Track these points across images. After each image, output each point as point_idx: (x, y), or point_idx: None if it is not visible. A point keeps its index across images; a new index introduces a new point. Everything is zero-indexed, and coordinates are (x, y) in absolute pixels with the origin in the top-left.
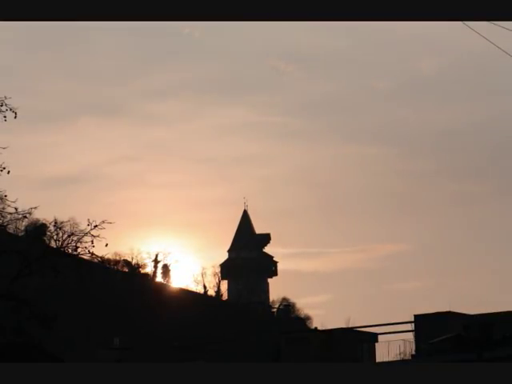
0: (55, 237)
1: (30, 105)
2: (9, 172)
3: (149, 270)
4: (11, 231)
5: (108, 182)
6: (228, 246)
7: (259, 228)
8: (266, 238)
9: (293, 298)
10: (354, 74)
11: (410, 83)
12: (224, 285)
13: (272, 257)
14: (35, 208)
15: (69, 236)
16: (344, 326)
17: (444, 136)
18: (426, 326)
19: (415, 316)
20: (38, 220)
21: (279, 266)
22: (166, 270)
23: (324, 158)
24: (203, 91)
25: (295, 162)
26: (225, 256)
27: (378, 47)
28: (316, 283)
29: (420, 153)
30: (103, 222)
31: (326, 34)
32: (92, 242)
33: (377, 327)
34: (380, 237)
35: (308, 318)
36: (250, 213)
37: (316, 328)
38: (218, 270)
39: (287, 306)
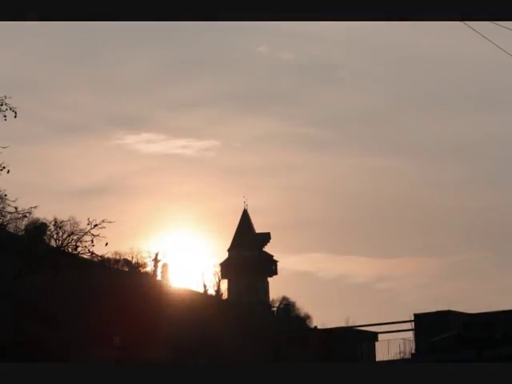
0: (55, 236)
1: (59, 116)
2: (8, 171)
3: (149, 269)
4: (11, 231)
5: (132, 192)
6: (228, 245)
7: (264, 229)
8: (266, 238)
9: (293, 298)
10: (380, 85)
11: (430, 92)
12: (224, 284)
13: (272, 256)
14: (35, 207)
15: (69, 235)
16: (344, 325)
17: (467, 145)
18: (426, 324)
19: (415, 315)
20: (38, 219)
21: (279, 265)
22: (165, 269)
23: (349, 169)
24: (229, 102)
25: (320, 173)
26: (225, 255)
27: (398, 58)
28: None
29: (441, 164)
30: (103, 221)
31: (351, 46)
32: (92, 241)
33: (377, 326)
34: (397, 245)
35: (308, 316)
36: (254, 215)
37: (316, 327)
38: (218, 269)
39: (287, 306)
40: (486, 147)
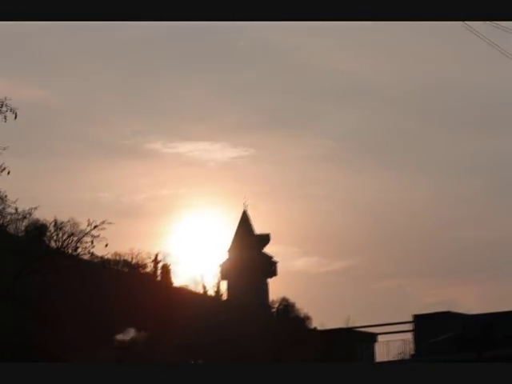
0: (55, 237)
1: (106, 139)
2: (9, 173)
3: (148, 270)
4: (11, 231)
5: (138, 197)
6: (228, 246)
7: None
8: (265, 238)
9: (292, 298)
10: (407, 102)
11: (434, 97)
12: (224, 285)
13: (271, 257)
14: (35, 208)
15: (69, 236)
16: (343, 325)
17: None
18: (426, 325)
19: (414, 316)
20: (38, 220)
21: (279, 266)
22: (165, 270)
23: (363, 181)
24: (264, 122)
25: (329, 183)
26: (224, 256)
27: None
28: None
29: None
30: (103, 222)
31: (367, 59)
32: (92, 242)
33: (376, 327)
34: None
35: (307, 317)
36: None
37: (315, 328)
38: (218, 269)
39: (287, 306)
40: (488, 154)
